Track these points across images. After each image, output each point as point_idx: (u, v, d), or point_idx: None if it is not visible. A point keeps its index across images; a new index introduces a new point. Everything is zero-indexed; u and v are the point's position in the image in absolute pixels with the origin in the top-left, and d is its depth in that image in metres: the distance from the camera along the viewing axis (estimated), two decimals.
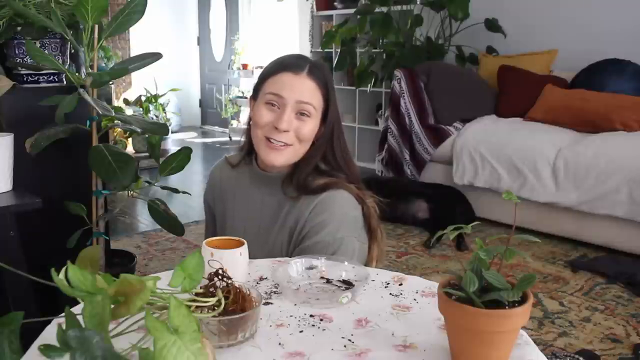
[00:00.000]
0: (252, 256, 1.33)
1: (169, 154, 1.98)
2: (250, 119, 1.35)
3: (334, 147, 1.34)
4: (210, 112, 8.12)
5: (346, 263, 1.14)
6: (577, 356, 2.02)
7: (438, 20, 4.63)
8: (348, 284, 1.09)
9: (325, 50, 5.43)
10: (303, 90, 1.25)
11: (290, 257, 1.30)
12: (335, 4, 5.57)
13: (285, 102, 1.25)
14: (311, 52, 5.96)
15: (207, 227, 1.59)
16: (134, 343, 0.72)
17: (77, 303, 0.80)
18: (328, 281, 1.10)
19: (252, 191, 1.40)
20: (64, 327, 0.65)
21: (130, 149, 5.41)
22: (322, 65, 1.34)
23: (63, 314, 0.70)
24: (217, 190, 1.49)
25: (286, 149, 1.27)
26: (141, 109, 5.30)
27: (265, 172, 1.37)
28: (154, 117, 5.52)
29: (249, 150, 1.42)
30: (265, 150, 1.28)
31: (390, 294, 1.07)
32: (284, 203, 1.34)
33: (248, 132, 1.38)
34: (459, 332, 0.79)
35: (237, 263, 1.04)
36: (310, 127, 1.27)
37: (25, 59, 1.96)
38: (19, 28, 1.93)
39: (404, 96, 3.94)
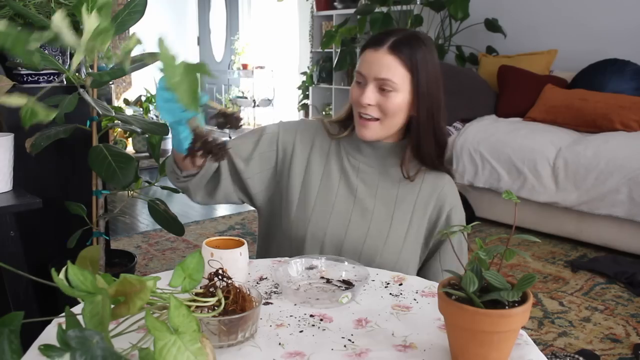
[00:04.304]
0: (342, 235, 1.30)
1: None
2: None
3: (435, 124, 1.31)
4: (210, 112, 8.11)
5: (346, 263, 1.14)
6: (577, 356, 2.02)
7: (438, 20, 4.63)
8: (348, 284, 1.09)
9: (325, 50, 5.43)
10: (381, 66, 1.24)
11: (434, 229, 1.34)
12: (335, 4, 5.57)
13: (366, 79, 1.26)
14: (311, 52, 5.96)
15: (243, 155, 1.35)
16: (134, 343, 0.72)
17: (77, 303, 0.81)
18: (328, 281, 1.10)
19: (351, 164, 1.36)
20: (64, 327, 0.65)
21: (130, 149, 5.41)
22: (411, 37, 1.27)
23: (63, 314, 0.70)
24: (308, 146, 1.38)
25: (373, 123, 1.28)
26: (141, 109, 5.30)
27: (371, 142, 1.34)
28: (154, 117, 5.52)
29: (344, 123, 1.39)
30: (358, 126, 1.30)
31: (390, 294, 1.07)
32: (399, 173, 1.34)
33: (349, 111, 1.37)
34: (458, 332, 0.79)
35: (237, 263, 1.04)
36: (395, 101, 1.25)
37: None
38: (19, 28, 1.93)
39: None
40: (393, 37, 1.26)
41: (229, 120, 0.94)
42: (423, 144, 1.30)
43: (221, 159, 0.92)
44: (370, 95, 1.25)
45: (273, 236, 1.39)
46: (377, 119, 1.27)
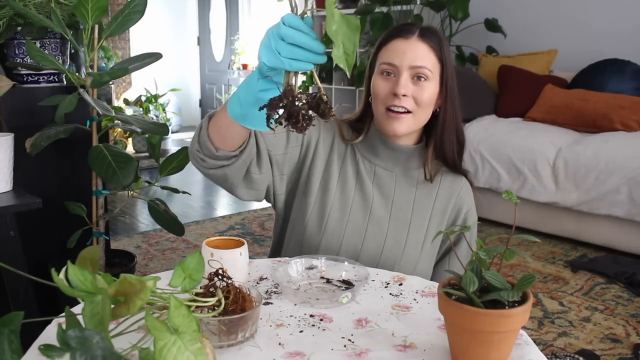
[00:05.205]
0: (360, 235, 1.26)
1: (169, 154, 1.98)
2: (365, 95, 1.30)
3: (457, 119, 1.29)
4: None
5: (346, 263, 1.14)
6: (577, 356, 2.02)
7: (438, 20, 4.63)
8: (348, 284, 1.09)
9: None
10: (415, 54, 1.20)
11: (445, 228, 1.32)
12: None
13: (399, 69, 1.20)
14: None
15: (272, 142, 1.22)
16: (134, 343, 0.72)
17: (77, 303, 0.81)
18: (328, 281, 1.10)
19: (369, 168, 1.31)
20: (64, 327, 0.65)
21: (130, 149, 5.41)
22: (434, 29, 1.25)
23: (63, 314, 0.70)
24: (328, 145, 1.31)
25: (406, 117, 1.21)
26: (141, 109, 5.30)
27: (392, 142, 1.29)
28: (154, 117, 5.52)
29: (356, 126, 1.33)
30: (387, 121, 1.23)
31: (390, 294, 1.07)
32: (417, 176, 1.31)
33: (361, 112, 1.32)
34: (458, 332, 0.79)
35: (237, 263, 1.04)
36: (429, 91, 1.21)
37: (25, 59, 1.96)
38: (19, 28, 1.93)
39: None
40: (419, 27, 1.23)
41: (322, 107, 0.77)
42: (446, 142, 1.27)
43: (302, 131, 0.77)
44: (406, 85, 1.19)
45: (285, 237, 1.34)
46: (409, 112, 1.21)
